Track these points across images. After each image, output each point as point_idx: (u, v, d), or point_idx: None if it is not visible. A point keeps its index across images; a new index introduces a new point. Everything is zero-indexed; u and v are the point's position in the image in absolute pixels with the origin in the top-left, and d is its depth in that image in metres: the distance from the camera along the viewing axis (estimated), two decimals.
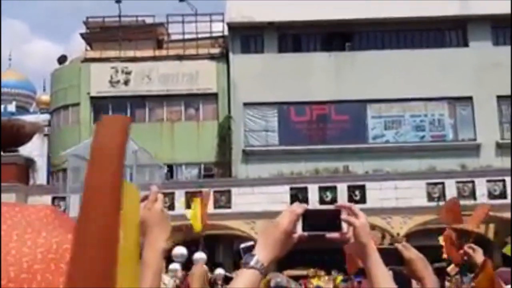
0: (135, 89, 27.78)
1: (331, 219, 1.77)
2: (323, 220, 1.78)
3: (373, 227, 22.38)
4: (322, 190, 23.43)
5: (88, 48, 30.27)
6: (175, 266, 11.84)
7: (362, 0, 26.27)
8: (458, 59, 26.93)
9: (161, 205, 1.78)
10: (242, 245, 4.07)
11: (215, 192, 22.46)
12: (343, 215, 1.75)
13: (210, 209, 21.41)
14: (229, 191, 23.38)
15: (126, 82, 27.93)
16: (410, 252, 2.18)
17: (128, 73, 27.93)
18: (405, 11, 26.51)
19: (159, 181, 15.40)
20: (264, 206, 22.79)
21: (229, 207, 23.09)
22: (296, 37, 28.62)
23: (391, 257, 2.17)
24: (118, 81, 27.90)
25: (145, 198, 1.75)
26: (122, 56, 28.14)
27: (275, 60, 27.59)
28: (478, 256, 3.63)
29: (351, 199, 22.88)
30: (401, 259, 2.17)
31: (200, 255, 13.20)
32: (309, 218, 1.78)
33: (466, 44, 27.82)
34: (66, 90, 28.38)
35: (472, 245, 3.73)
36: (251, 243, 4.22)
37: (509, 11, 26.48)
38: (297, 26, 27.49)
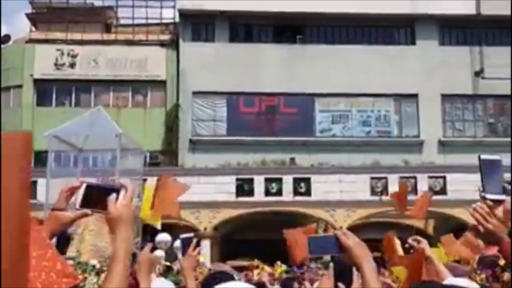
0: (81, 73, 27.16)
1: (333, 243, 2.14)
2: (326, 244, 2.18)
3: (316, 219, 22.59)
4: (268, 181, 23.49)
5: (33, 29, 29.42)
6: (158, 253, 11.69)
7: None
8: (405, 57, 27.38)
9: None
10: (182, 236, 3.98)
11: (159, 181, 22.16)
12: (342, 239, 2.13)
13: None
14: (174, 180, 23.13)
15: (72, 65, 27.27)
16: (349, 239, 2.17)
17: (74, 56, 27.28)
18: (356, 7, 26.75)
19: (141, 167, 15.07)
20: (209, 196, 22.71)
21: None
22: (247, 27, 28.53)
23: (330, 244, 2.18)
24: (63, 64, 27.21)
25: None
26: (68, 39, 27.45)
27: (226, 49, 27.43)
28: (424, 247, 3.66)
29: (296, 191, 23.04)
30: (341, 246, 2.16)
31: (164, 237, 12.87)
32: (314, 243, 2.20)
33: (413, 43, 28.29)
34: (8, 71, 27.46)
35: (417, 236, 3.76)
36: (191, 234, 4.12)
37: (455, 12, 27.08)
38: (249, 16, 27.38)
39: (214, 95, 27.04)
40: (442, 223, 23.01)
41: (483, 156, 2.40)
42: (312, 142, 26.54)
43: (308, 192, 23.06)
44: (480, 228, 2.39)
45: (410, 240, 3.74)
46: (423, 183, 22.66)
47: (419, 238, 3.73)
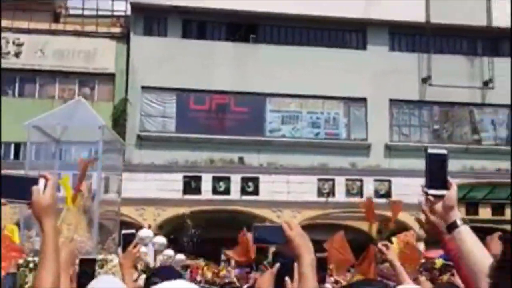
0: (26, 62, 26.41)
1: (277, 233, 2.13)
2: (270, 233, 2.17)
3: (263, 219, 22.61)
4: (215, 180, 23.40)
5: None
6: (141, 249, 11.44)
7: None
8: (356, 61, 27.68)
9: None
10: (123, 232, 3.91)
11: (106, 177, 21.80)
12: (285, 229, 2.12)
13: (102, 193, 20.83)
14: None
15: (17, 54, 26.50)
16: (293, 230, 2.15)
17: (20, 45, 26.53)
18: (309, 10, 26.90)
19: (121, 162, 14.69)
20: (155, 193, 22.46)
21: (106, 192, 22.47)
22: (200, 24, 28.33)
23: (276, 234, 2.16)
24: (8, 53, 26.42)
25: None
26: (14, 27, 26.67)
27: (178, 45, 27.17)
28: (391, 253, 3.70)
29: (244, 190, 23.02)
30: (284, 236, 2.15)
31: (146, 233, 12.59)
32: (259, 232, 2.16)
33: (364, 47, 28.64)
34: None
35: (387, 242, 3.81)
36: (132, 231, 4.05)
37: (406, 19, 27.54)
38: (202, 12, 27.19)
39: (164, 91, 26.75)
40: (383, 226, 23.36)
41: (429, 150, 2.38)
42: (261, 142, 26.56)
43: (256, 192, 23.09)
44: (428, 220, 2.40)
45: (379, 245, 3.78)
46: (368, 185, 22.97)
47: (388, 244, 3.77)
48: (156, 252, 17.61)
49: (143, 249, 11.58)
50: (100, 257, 10.22)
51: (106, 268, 10.05)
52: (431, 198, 2.35)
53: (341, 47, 28.42)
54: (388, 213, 22.04)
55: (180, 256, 17.18)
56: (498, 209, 27.22)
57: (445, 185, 2.35)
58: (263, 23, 28.14)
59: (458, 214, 2.33)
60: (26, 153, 12.71)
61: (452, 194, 2.35)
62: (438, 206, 2.35)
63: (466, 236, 2.28)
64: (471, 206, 25.07)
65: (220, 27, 28.39)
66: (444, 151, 2.40)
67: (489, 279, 1.81)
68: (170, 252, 18.47)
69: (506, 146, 28.16)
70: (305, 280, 2.11)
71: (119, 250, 3.64)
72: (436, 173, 2.35)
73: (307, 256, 2.14)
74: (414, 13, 27.50)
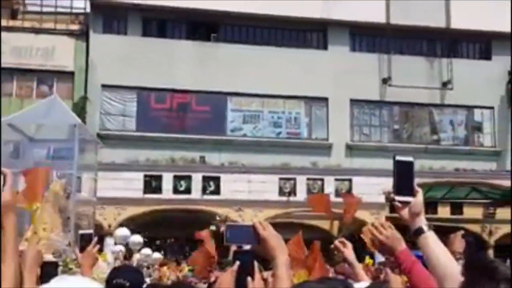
0: None
1: (250, 233, 2.10)
2: (243, 233, 2.12)
3: (225, 218, 22.55)
4: (176, 179, 23.23)
5: None
6: (118, 247, 11.25)
7: None
8: (317, 61, 27.81)
9: None
10: (81, 232, 3.89)
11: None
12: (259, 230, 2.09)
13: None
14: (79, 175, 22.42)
15: None
16: (267, 230, 2.12)
17: None
18: (270, 9, 26.93)
19: (96, 159, 14.40)
20: (116, 192, 22.18)
21: (79, 191, 22.15)
22: (161, 22, 28.11)
23: (247, 234, 2.12)
24: None
25: None
26: None
27: (138, 43, 26.90)
28: (348, 251, 3.66)
29: (205, 189, 22.92)
30: (257, 237, 2.11)
31: (123, 232, 12.37)
32: (231, 232, 2.11)
33: (325, 47, 28.81)
34: None
35: (343, 239, 3.75)
36: (91, 231, 4.03)
37: (366, 20, 27.79)
38: (163, 11, 26.97)
39: (124, 89, 26.45)
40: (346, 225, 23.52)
41: (397, 157, 2.44)
42: (223, 141, 26.49)
43: (217, 191, 22.99)
44: (376, 241, 2.55)
45: (336, 242, 3.75)
46: (329, 185, 23.09)
47: (345, 241, 3.72)
48: (133, 251, 17.47)
49: (119, 247, 11.41)
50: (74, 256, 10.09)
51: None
52: (398, 204, 2.41)
53: (302, 47, 28.54)
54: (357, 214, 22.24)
55: (157, 255, 17.04)
56: (456, 208, 27.70)
57: (412, 192, 2.41)
58: (224, 22, 28.07)
59: (424, 220, 2.41)
60: (1, 151, 12.39)
61: (418, 200, 2.42)
62: (405, 212, 2.41)
63: (432, 241, 2.36)
64: (430, 206, 25.42)
65: (180, 26, 28.21)
66: (411, 159, 2.45)
67: (462, 278, 1.86)
68: (147, 251, 18.34)
69: (464, 146, 28.70)
70: (280, 282, 2.07)
71: (77, 250, 3.59)
72: (403, 180, 2.41)
73: (282, 257, 2.10)
74: (375, 14, 27.77)
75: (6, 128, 12.03)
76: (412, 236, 2.44)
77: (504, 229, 26.46)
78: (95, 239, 3.59)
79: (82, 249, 3.55)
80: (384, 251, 2.60)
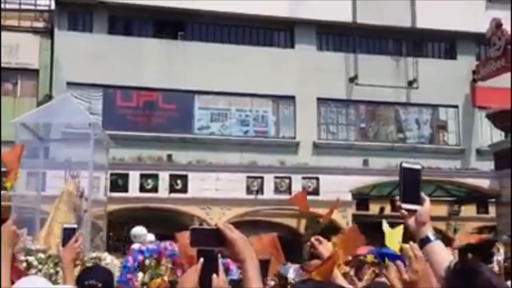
0: None
1: (215, 236, 2.04)
2: (208, 237, 2.05)
3: (191, 217, 22.48)
4: (143, 177, 23.04)
5: None
6: (136, 246, 11.12)
7: None
8: (284, 59, 27.88)
9: None
10: (65, 226, 3.92)
11: (28, 173, 21.13)
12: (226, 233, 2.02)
13: (23, 190, 20.10)
14: (44, 173, 22.04)
15: None
16: (233, 233, 2.06)
17: None
18: (237, 8, 26.90)
19: (107, 158, 14.13)
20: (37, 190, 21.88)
21: (43, 190, 21.80)
22: (127, 20, 27.86)
23: (212, 237, 2.07)
24: None
25: None
26: None
27: (104, 41, 26.61)
28: (324, 248, 3.67)
29: (172, 188, 22.80)
30: (223, 240, 2.05)
31: (140, 230, 12.22)
32: (196, 235, 2.04)
33: (292, 46, 28.89)
34: None
35: (319, 237, 3.75)
36: (74, 225, 4.06)
37: (333, 19, 27.96)
38: (129, 8, 26.73)
39: (89, 87, 26.13)
40: (313, 223, 23.65)
41: (404, 164, 2.40)
42: (190, 139, 26.38)
43: (184, 189, 22.87)
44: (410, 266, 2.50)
45: (312, 239, 3.74)
46: (297, 183, 23.17)
47: (321, 238, 3.73)
48: None
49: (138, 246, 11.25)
50: (93, 255, 10.03)
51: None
52: (404, 212, 2.37)
53: (269, 45, 28.60)
54: (316, 210, 22.33)
55: None
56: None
57: (419, 200, 2.37)
58: (191, 21, 27.94)
59: (430, 229, 2.37)
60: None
61: (425, 209, 2.38)
62: (411, 220, 2.37)
63: (439, 250, 2.32)
64: (396, 203, 25.68)
65: (147, 24, 28.01)
66: (418, 166, 2.42)
67: (445, 281, 1.85)
68: None
69: (430, 144, 29.10)
70: (251, 283, 2.04)
71: (59, 245, 3.59)
72: (409, 188, 2.37)
73: (251, 260, 2.06)
74: (341, 13, 27.96)
75: (19, 128, 11.91)
76: (418, 244, 2.41)
77: (468, 227, 26.95)
78: (77, 233, 3.60)
79: (64, 244, 3.53)
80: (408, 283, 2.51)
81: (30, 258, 9.61)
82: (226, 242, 2.06)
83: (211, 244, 2.09)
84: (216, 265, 2.09)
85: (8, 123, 24.87)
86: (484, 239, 19.30)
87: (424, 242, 2.35)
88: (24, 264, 9.30)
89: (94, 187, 12.33)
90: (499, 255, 18.09)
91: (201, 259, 2.09)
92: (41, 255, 9.79)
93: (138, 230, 12.44)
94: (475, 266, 1.97)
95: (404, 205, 2.37)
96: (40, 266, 9.53)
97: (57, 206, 10.86)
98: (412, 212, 2.37)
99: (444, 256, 2.30)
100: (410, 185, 2.37)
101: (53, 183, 13.55)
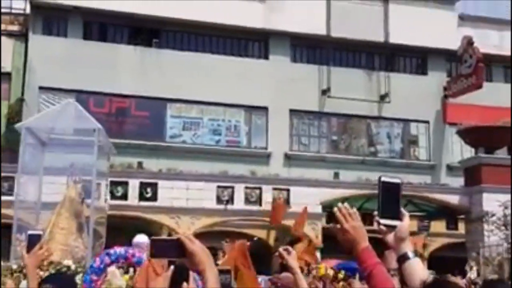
0: None
1: (176, 247, 2.03)
2: (169, 247, 2.04)
3: (160, 225, 22.31)
4: (113, 185, 22.79)
5: None
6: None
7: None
8: (258, 70, 27.98)
9: None
10: (30, 232, 3.88)
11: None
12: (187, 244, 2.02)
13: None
14: (12, 178, 21.71)
15: None
16: (194, 244, 2.08)
17: None
18: (212, 17, 26.96)
19: (108, 165, 13.84)
20: (51, 198, 21.58)
21: (11, 195, 21.48)
22: (102, 26, 27.72)
23: (173, 248, 2.08)
24: None
25: None
26: None
27: (79, 46, 26.42)
28: (291, 259, 3.69)
29: (142, 196, 22.61)
30: (184, 250, 2.07)
31: (142, 238, 11.97)
32: (157, 246, 2.03)
33: (266, 57, 29.02)
34: None
35: (288, 247, 3.77)
36: (40, 232, 4.04)
37: (307, 31, 28.15)
38: (104, 14, 26.60)
39: (62, 92, 25.82)
40: (282, 235, 23.67)
41: (383, 178, 2.29)
42: (161, 147, 26.25)
43: (154, 197, 22.69)
44: (339, 227, 2.30)
45: (280, 249, 3.73)
46: (267, 194, 23.17)
47: (289, 248, 3.74)
48: None
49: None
50: None
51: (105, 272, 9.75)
52: (383, 227, 2.29)
53: (243, 55, 28.68)
54: (287, 222, 22.34)
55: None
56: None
57: (398, 216, 2.29)
58: (166, 28, 27.90)
59: (409, 246, 2.30)
60: (20, 156, 11.93)
61: (404, 225, 2.31)
62: (390, 237, 2.29)
63: (417, 268, 2.26)
64: (367, 217, 25.71)
65: (122, 30, 27.89)
66: (398, 180, 2.31)
67: None
68: None
69: (400, 159, 29.36)
70: None
71: (24, 251, 3.59)
72: (389, 203, 2.27)
73: (211, 270, 2.08)
74: (316, 26, 28.19)
75: (24, 132, 11.69)
76: (396, 261, 2.32)
77: (438, 242, 27.10)
78: (43, 240, 3.61)
79: (29, 250, 3.52)
80: (344, 243, 2.32)
81: None
82: (187, 253, 2.07)
83: (172, 255, 2.11)
84: (187, 272, 2.11)
85: None
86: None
87: (403, 258, 2.28)
88: (25, 271, 9.19)
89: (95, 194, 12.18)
90: (472, 273, 18.28)
91: (172, 267, 2.13)
92: (43, 262, 9.66)
93: (140, 238, 12.26)
94: (445, 282, 1.97)
95: (383, 221, 2.28)
96: (41, 273, 9.39)
97: (59, 212, 10.73)
98: (391, 227, 2.29)
99: (421, 274, 2.24)
100: (390, 200, 2.29)
101: (52, 189, 13.34)
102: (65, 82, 25.40)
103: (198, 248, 2.08)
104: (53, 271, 9.31)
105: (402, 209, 2.32)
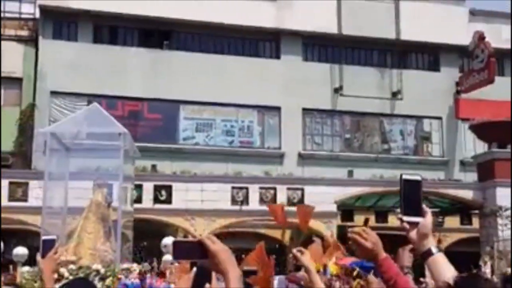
0: None
1: (198, 248, 2.03)
2: (190, 249, 2.05)
3: (176, 228, 22.33)
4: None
5: None
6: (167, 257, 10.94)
7: (182, 0, 26.26)
8: (270, 70, 27.94)
9: None
10: (44, 237, 3.88)
11: (10, 183, 20.94)
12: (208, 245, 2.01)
13: (5, 201, 19.89)
14: (26, 184, 21.84)
15: None
16: (215, 244, 2.06)
17: None
18: (223, 18, 26.95)
19: (133, 169, 13.89)
20: (63, 201, 21.67)
21: (26, 200, 21.60)
22: (112, 29, 27.76)
23: (195, 249, 2.06)
24: None
25: None
26: None
27: (89, 50, 26.49)
28: (305, 258, 3.68)
29: (156, 198, 22.63)
30: (206, 251, 2.05)
31: (171, 240, 12.05)
32: (179, 248, 2.04)
33: (278, 57, 28.95)
34: None
35: (301, 248, 3.76)
36: (54, 236, 4.03)
37: (319, 30, 28.05)
38: (114, 18, 26.64)
39: (74, 96, 25.95)
40: (297, 234, 23.59)
41: (404, 176, 2.36)
42: (175, 150, 26.27)
43: (169, 200, 22.70)
44: (360, 246, 2.41)
45: (294, 251, 3.75)
46: (282, 194, 23.11)
47: (302, 249, 3.74)
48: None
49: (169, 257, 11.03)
50: (124, 266, 9.92)
51: (132, 276, 9.83)
52: (406, 225, 2.33)
53: (255, 56, 28.63)
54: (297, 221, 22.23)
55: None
56: None
57: (420, 212, 2.34)
58: (177, 30, 27.91)
59: (432, 242, 2.34)
60: (45, 162, 11.99)
61: (427, 221, 2.35)
62: (413, 233, 2.33)
63: (442, 263, 2.29)
64: (381, 214, 25.73)
65: (132, 33, 27.93)
66: (418, 178, 2.38)
67: None
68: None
69: (414, 155, 29.21)
70: None
71: (38, 256, 3.58)
72: (410, 200, 2.33)
73: (233, 271, 2.05)
74: (327, 25, 28.09)
75: (50, 137, 11.74)
76: (420, 257, 2.38)
77: (452, 237, 27.00)
78: (57, 245, 3.56)
79: (44, 255, 3.52)
80: (367, 258, 2.46)
81: (62, 270, 9.48)
82: (209, 254, 2.05)
83: (193, 256, 2.10)
84: (209, 274, 2.10)
85: None
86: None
87: (427, 254, 2.33)
88: (55, 275, 9.24)
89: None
90: (487, 268, 18.16)
91: (194, 269, 2.11)
92: (72, 266, 9.70)
93: (169, 240, 12.28)
94: (475, 278, 1.98)
95: (406, 218, 2.34)
96: (71, 277, 9.42)
97: (86, 216, 10.80)
98: (414, 224, 2.34)
99: (447, 268, 2.28)
100: (411, 197, 2.35)
101: (78, 194, 13.42)
102: (76, 87, 25.50)
103: (219, 249, 2.06)
104: (82, 275, 9.33)
105: (424, 206, 2.36)
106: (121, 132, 11.40)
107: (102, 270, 9.79)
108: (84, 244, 10.34)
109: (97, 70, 25.77)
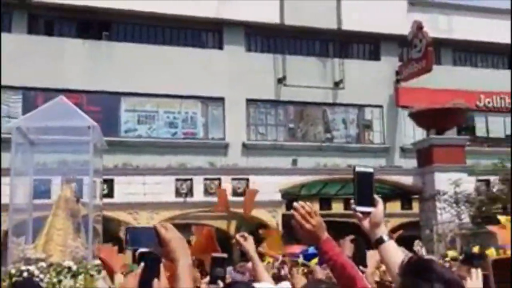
0: None
1: (152, 235, 2.03)
2: (145, 236, 2.06)
3: (118, 222, 21.95)
4: (68, 182, 22.31)
5: None
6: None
7: None
8: (213, 60, 27.76)
9: None
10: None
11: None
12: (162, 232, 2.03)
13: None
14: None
15: None
16: (169, 232, 2.07)
17: None
18: (164, 8, 26.58)
19: (101, 163, 13.36)
20: (6, 197, 21.02)
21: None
22: (48, 20, 26.98)
23: (149, 236, 2.06)
24: None
25: None
26: None
27: (24, 42, 25.69)
28: (249, 244, 3.68)
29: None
30: (159, 239, 2.05)
31: None
32: (132, 235, 2.06)
33: (221, 47, 28.79)
34: None
35: (245, 233, 3.78)
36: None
37: (261, 20, 28.02)
38: (50, 8, 25.91)
39: (8, 90, 25.11)
40: (242, 223, 23.64)
41: (357, 169, 2.50)
42: (116, 142, 25.66)
43: (111, 194, 22.28)
44: (300, 227, 2.46)
45: (237, 236, 3.76)
46: (226, 184, 23.04)
47: (246, 234, 3.75)
48: None
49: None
50: (97, 262, 9.63)
51: (104, 273, 9.54)
52: (359, 214, 2.49)
53: (197, 46, 28.38)
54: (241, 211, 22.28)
55: None
56: (350, 204, 28.40)
57: (372, 202, 2.49)
58: (116, 21, 27.37)
59: (384, 230, 2.48)
60: (11, 157, 11.46)
61: (378, 211, 2.49)
62: (366, 222, 2.47)
63: (392, 250, 2.43)
64: (325, 202, 25.99)
65: (70, 24, 27.23)
66: (371, 170, 2.52)
67: (399, 277, 2.00)
68: None
69: (356, 143, 29.62)
70: (180, 284, 2.01)
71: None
72: (363, 191, 2.48)
73: (184, 259, 2.04)
74: (269, 15, 28.09)
75: (15, 132, 11.25)
76: (373, 245, 2.50)
77: (392, 223, 27.50)
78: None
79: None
80: (307, 240, 2.53)
81: (31, 268, 9.19)
82: (161, 242, 2.05)
83: (148, 244, 2.08)
84: (158, 269, 2.04)
85: None
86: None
87: (378, 242, 2.45)
88: (25, 274, 8.95)
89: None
90: (423, 251, 18.58)
91: (142, 263, 2.04)
92: (43, 264, 9.35)
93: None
94: (428, 261, 2.05)
95: (359, 208, 2.48)
96: (41, 276, 9.13)
97: (55, 213, 10.43)
98: (366, 214, 2.47)
99: (398, 254, 2.38)
100: (364, 188, 2.49)
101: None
102: (10, 79, 24.57)
103: (173, 236, 2.05)
104: (53, 273, 9.16)
105: (376, 196, 2.50)
106: (90, 125, 11.14)
107: (74, 267, 9.55)
108: (53, 241, 10.06)
109: (33, 62, 25.02)
